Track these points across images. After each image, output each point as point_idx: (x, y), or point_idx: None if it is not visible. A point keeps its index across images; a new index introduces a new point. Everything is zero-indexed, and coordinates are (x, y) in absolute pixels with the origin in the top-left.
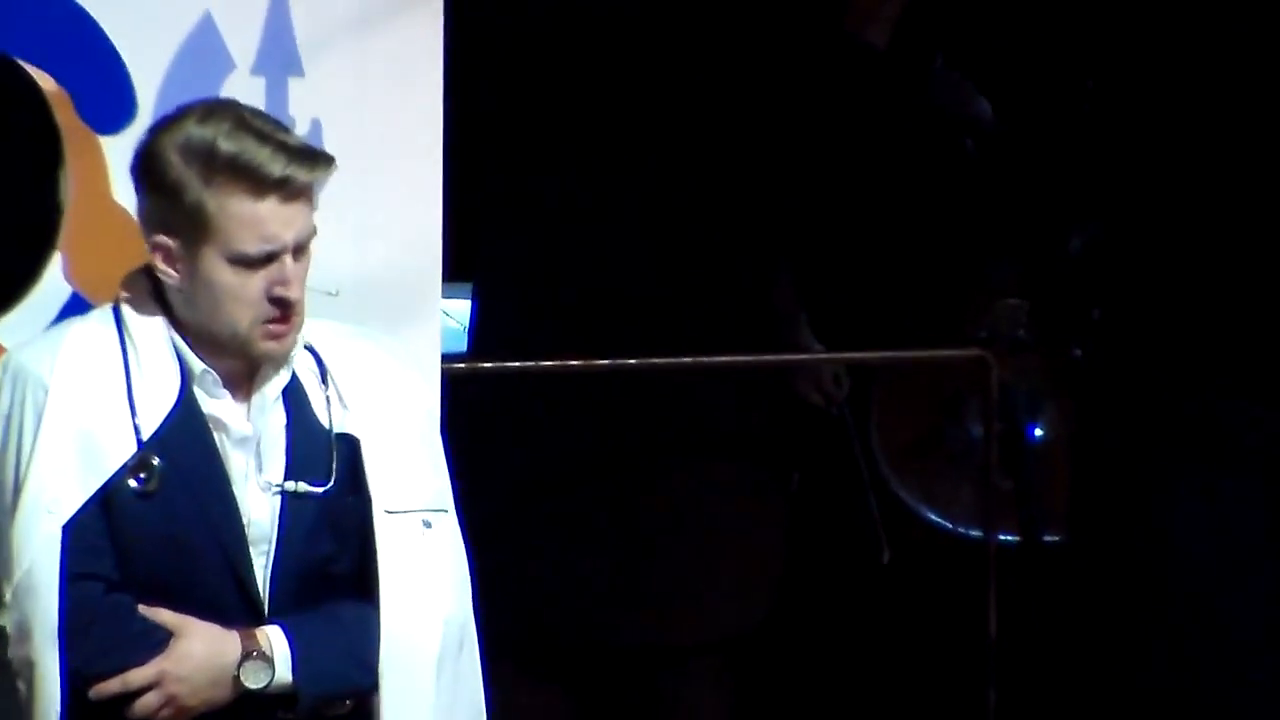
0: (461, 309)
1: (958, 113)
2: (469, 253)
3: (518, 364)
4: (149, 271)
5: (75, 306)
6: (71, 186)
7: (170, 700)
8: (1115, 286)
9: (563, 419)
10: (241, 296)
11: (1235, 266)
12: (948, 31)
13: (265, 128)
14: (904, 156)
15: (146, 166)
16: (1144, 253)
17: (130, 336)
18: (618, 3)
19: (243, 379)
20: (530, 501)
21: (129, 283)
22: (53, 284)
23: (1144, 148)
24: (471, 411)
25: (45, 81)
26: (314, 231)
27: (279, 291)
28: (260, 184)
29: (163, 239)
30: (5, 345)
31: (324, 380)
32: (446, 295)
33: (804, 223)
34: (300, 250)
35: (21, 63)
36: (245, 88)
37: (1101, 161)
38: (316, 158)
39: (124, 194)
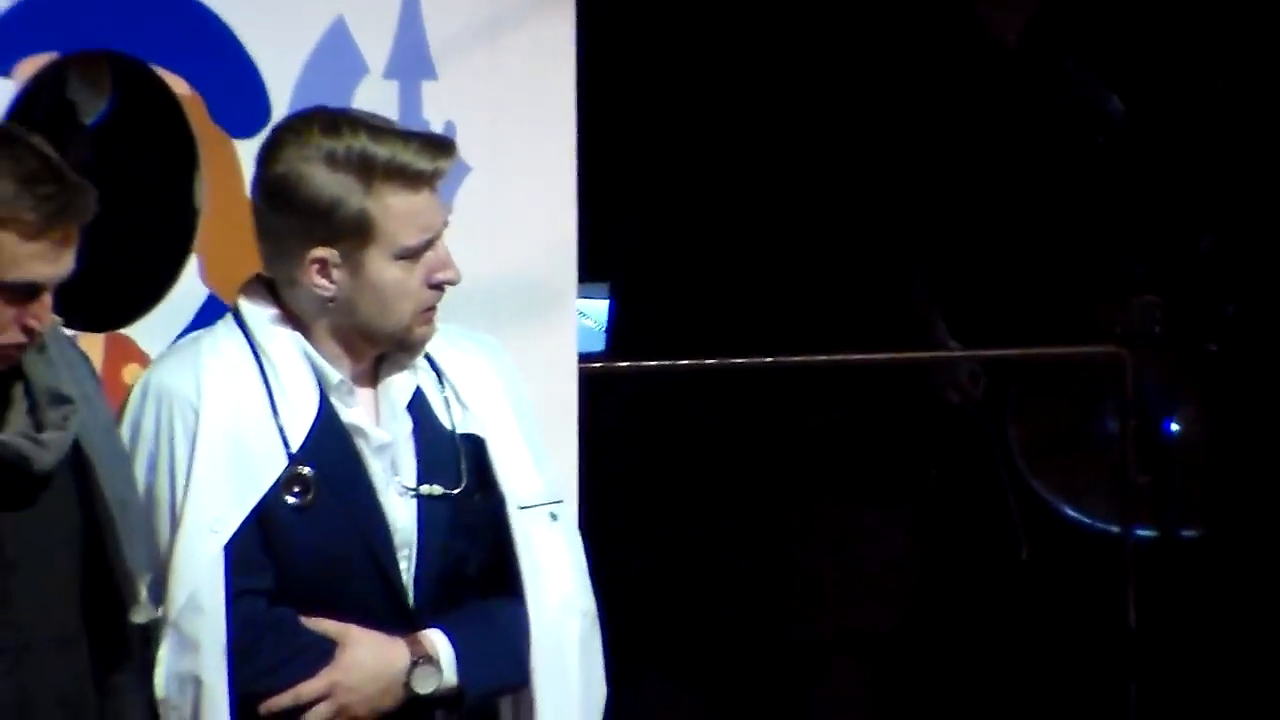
0: (598, 309)
1: (1090, 111)
2: (605, 252)
3: (654, 363)
4: (265, 281)
5: (212, 308)
6: (206, 190)
7: (342, 710)
8: (1249, 281)
9: (699, 418)
10: (408, 290)
11: None
12: (1080, 30)
13: (393, 127)
14: (1037, 155)
15: (283, 188)
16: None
17: (264, 350)
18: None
19: (365, 386)
20: (667, 500)
21: (249, 293)
22: (190, 286)
23: (1274, 144)
24: (609, 411)
25: (179, 86)
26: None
27: (439, 276)
28: (416, 179)
29: (321, 252)
30: (144, 348)
31: (440, 382)
32: (582, 295)
33: (939, 222)
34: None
35: (156, 67)
36: (378, 91)
37: (1233, 158)
38: (446, 145)
39: None
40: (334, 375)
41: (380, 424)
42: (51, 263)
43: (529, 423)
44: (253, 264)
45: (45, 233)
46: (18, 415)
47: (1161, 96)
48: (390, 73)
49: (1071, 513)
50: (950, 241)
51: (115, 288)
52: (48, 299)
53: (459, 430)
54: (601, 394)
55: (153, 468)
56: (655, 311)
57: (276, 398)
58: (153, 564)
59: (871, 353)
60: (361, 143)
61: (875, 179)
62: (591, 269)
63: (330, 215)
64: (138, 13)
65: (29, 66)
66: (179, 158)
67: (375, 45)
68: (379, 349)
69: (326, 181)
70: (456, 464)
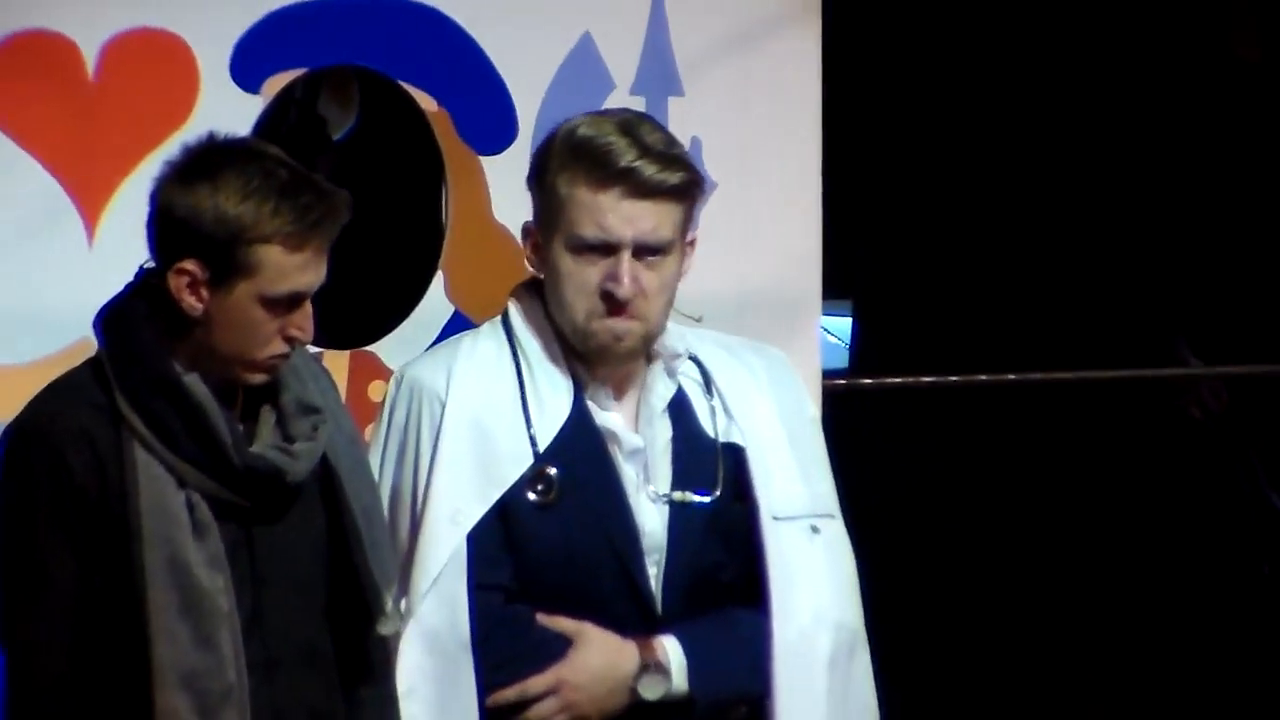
0: (841, 326)
1: None
2: (848, 269)
3: (898, 379)
4: (535, 285)
5: (456, 325)
6: (452, 206)
7: (569, 708)
8: None
9: (943, 435)
10: (579, 285)
11: None
12: None
13: (639, 128)
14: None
15: (538, 164)
16: None
17: (522, 349)
18: (996, 14)
19: (626, 390)
20: (917, 517)
21: (518, 295)
22: (435, 303)
23: None
24: (854, 428)
25: (427, 103)
26: (666, 242)
27: (609, 286)
28: (605, 171)
29: (531, 226)
30: (389, 365)
31: (709, 390)
32: (826, 312)
33: (1183, 237)
34: (646, 253)
35: (403, 84)
36: (625, 107)
37: None
38: (676, 162)
39: (504, 214)
40: (590, 378)
41: (637, 429)
42: (314, 271)
43: (804, 437)
44: (497, 281)
45: (307, 242)
46: (266, 428)
47: None
48: (637, 89)
49: None
50: (1193, 257)
51: (361, 305)
52: (309, 307)
53: (722, 439)
54: (844, 412)
55: (400, 460)
56: (899, 328)
57: (529, 397)
58: (397, 573)
59: (1116, 370)
60: (582, 124)
61: (1119, 195)
62: (835, 285)
63: (539, 192)
64: (386, 29)
65: (276, 83)
66: (425, 174)
67: (622, 61)
68: (588, 354)
69: (549, 159)
70: (715, 471)
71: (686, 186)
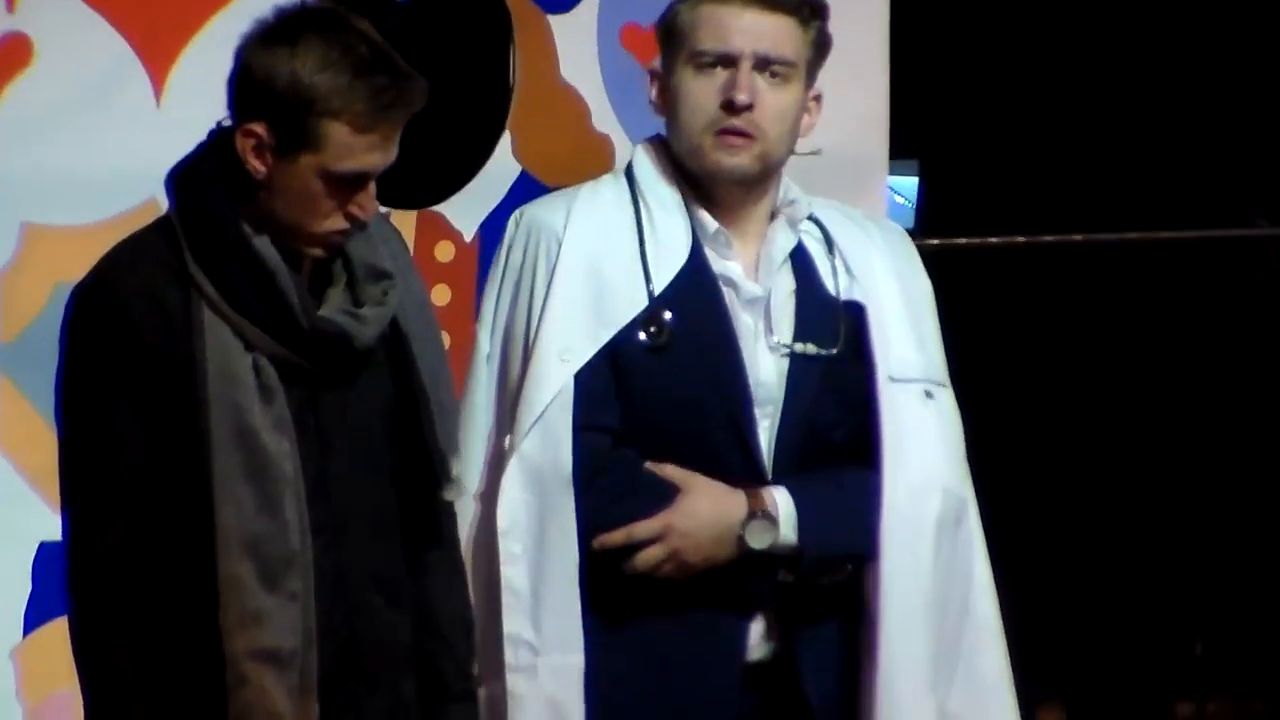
0: (909, 186)
1: None
2: (917, 130)
3: (964, 240)
4: (661, 138)
5: (523, 185)
6: (520, 66)
7: (674, 554)
8: None
9: (1012, 295)
10: (698, 99)
11: None
12: None
13: None
14: None
15: (665, 11)
16: None
17: (643, 195)
18: None
19: (748, 241)
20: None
21: (644, 145)
22: (502, 163)
23: None
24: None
25: None
26: (787, 61)
27: (728, 94)
28: None
29: (655, 65)
30: (456, 225)
31: (830, 250)
32: (894, 173)
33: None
34: (767, 69)
35: None
36: None
37: None
38: None
39: (571, 73)
40: (711, 224)
41: (758, 280)
42: (381, 152)
43: (919, 308)
44: (565, 140)
45: (377, 124)
46: (337, 292)
47: None
48: None
49: None
50: (1265, 117)
51: (428, 165)
52: (372, 187)
53: (843, 296)
54: None
55: (515, 299)
56: (966, 189)
57: (647, 241)
58: (460, 444)
59: (1184, 230)
60: None
61: (1186, 57)
62: (903, 147)
63: (665, 26)
64: None
65: None
66: (493, 34)
67: None
68: (705, 186)
69: None
70: (835, 327)
71: (809, 5)
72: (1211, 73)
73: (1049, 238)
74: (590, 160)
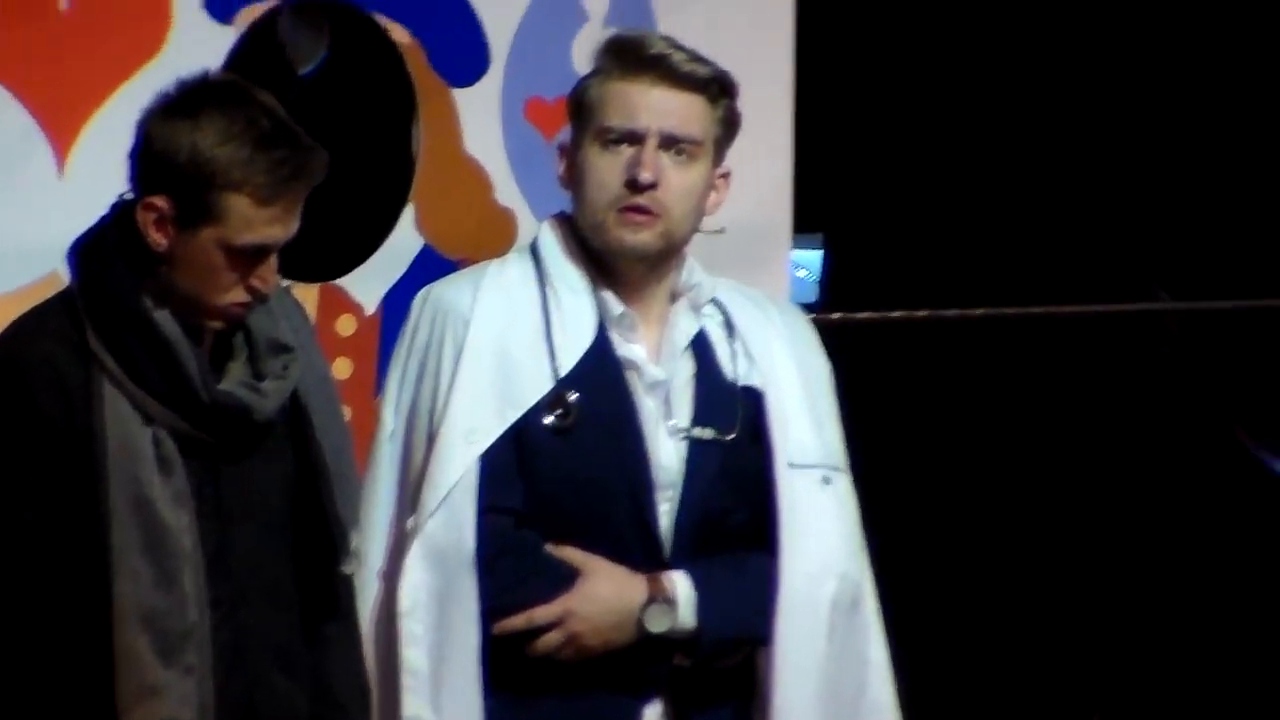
0: (811, 259)
1: None
2: (819, 204)
3: (866, 315)
4: (566, 215)
5: (426, 258)
6: (423, 139)
7: (573, 639)
8: None
9: (915, 369)
10: (602, 176)
11: None
12: None
13: (674, 40)
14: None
15: (576, 85)
16: None
17: (549, 275)
18: None
19: (655, 325)
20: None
21: (549, 222)
22: (404, 237)
23: None
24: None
25: (400, 34)
26: (694, 140)
27: (632, 171)
28: (636, 58)
29: (563, 139)
30: (357, 299)
31: (730, 333)
32: (798, 246)
33: (1157, 170)
34: (673, 147)
35: (377, 16)
36: (598, 40)
37: None
38: (708, 62)
39: (475, 146)
40: (616, 307)
41: (660, 363)
42: (282, 225)
43: (818, 391)
44: (468, 214)
45: (278, 197)
46: (238, 365)
47: None
48: (611, 20)
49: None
50: (1167, 192)
51: (330, 238)
52: (274, 260)
53: (741, 381)
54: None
55: (420, 378)
56: (870, 262)
57: (553, 322)
58: (361, 518)
59: (1087, 305)
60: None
61: (1094, 130)
62: (807, 220)
63: (573, 100)
64: None
65: (250, 15)
66: (397, 107)
67: None
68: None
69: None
70: (734, 412)
71: (717, 83)
72: (1112, 147)
73: (952, 312)
74: (493, 234)
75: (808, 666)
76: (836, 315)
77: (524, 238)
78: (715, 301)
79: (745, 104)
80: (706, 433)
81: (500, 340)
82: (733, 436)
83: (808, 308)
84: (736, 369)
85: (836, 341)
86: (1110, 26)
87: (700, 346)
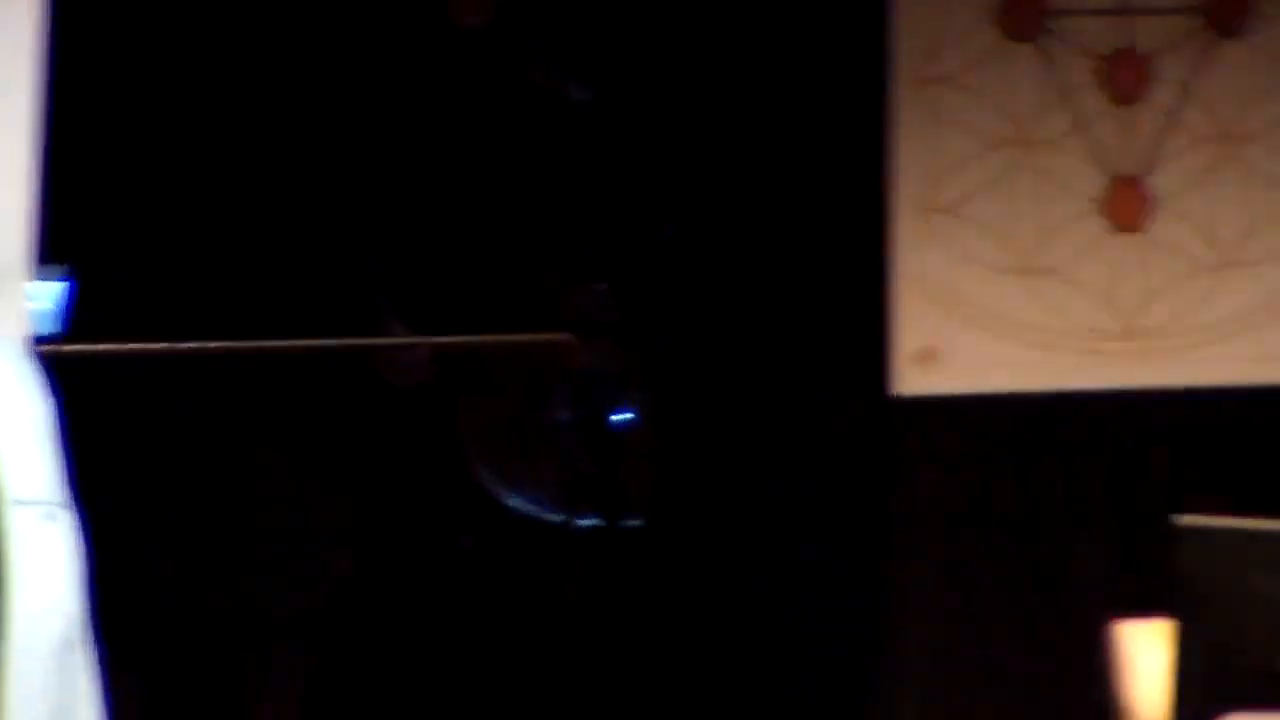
0: (55, 290)
1: (553, 96)
2: (63, 234)
3: (106, 345)
4: None
5: None
6: None
7: None
8: (703, 273)
9: (160, 403)
10: None
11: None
12: (547, 16)
13: None
14: (497, 140)
15: None
16: (723, 250)
17: None
18: None
19: None
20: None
21: None
22: None
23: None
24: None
25: None
26: None
27: None
28: None
29: None
30: None
31: None
32: (42, 277)
33: (393, 205)
34: None
35: None
36: None
37: (697, 149)
38: None
39: None
40: None
41: None
42: None
43: (42, 422)
44: None
45: None
46: None
47: (628, 84)
48: None
49: (518, 501)
50: (403, 224)
51: None
52: None
53: None
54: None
55: None
56: (116, 294)
57: None
58: None
59: (320, 338)
60: None
61: (331, 164)
62: (52, 250)
63: None
64: None
65: None
66: None
67: None
68: None
69: None
70: None
71: None
72: (355, 180)
73: (189, 344)
74: None
75: (35, 709)
76: (75, 347)
77: None
78: None
79: None
80: None
81: None
82: None
83: (45, 339)
84: None
85: (77, 374)
86: (357, 66)
87: None
